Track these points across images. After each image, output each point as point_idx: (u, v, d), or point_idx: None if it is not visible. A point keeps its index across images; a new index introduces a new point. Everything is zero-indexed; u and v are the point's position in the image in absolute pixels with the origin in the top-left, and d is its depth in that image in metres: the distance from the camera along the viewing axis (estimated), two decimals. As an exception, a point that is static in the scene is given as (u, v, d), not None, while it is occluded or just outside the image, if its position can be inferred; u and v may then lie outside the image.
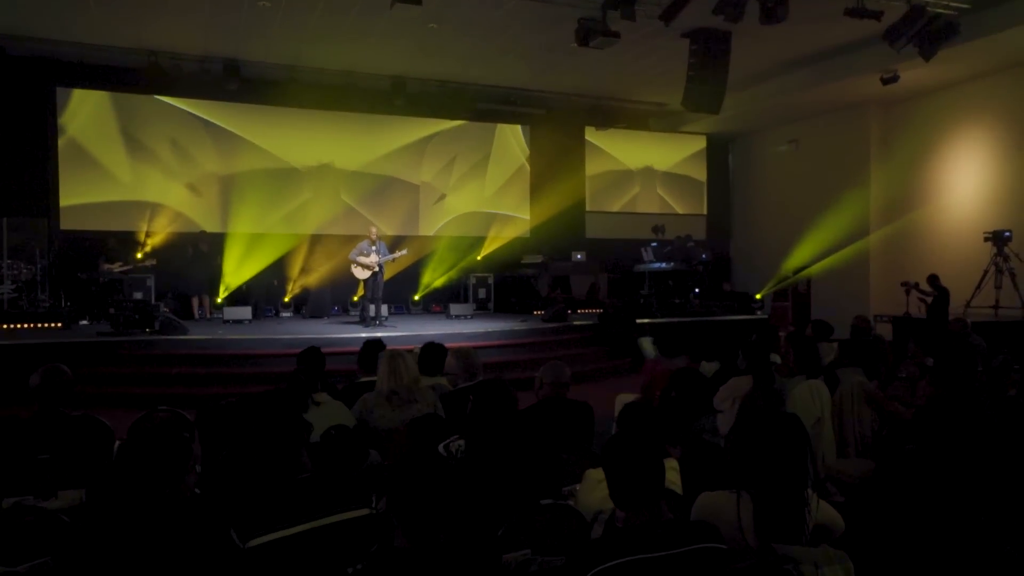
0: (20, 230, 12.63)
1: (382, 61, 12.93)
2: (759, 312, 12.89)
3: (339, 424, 3.13)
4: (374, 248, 10.90)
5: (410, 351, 4.52)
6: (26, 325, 11.16)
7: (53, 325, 11.31)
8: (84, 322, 11.72)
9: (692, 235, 15.35)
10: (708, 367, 5.51)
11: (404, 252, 11.24)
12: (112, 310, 9.97)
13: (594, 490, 2.69)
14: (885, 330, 13.13)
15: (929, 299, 11.61)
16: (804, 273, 15.00)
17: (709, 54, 11.41)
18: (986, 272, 11.99)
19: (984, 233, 12.11)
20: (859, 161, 15.20)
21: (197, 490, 2.69)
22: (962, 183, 13.77)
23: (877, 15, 9.39)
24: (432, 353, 4.75)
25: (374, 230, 11.27)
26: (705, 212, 17.63)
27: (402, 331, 10.45)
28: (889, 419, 4.24)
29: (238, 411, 3.80)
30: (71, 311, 11.71)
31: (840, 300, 14.76)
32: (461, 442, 3.02)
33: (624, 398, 5.64)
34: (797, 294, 14.97)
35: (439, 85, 14.10)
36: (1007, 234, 11.89)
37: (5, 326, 11.04)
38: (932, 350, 5.27)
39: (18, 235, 12.61)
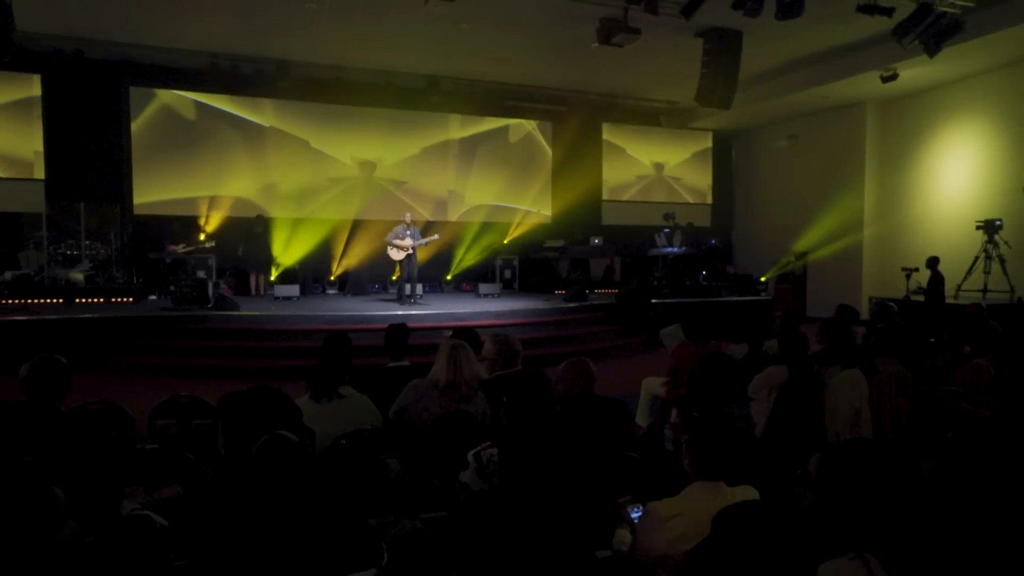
0: (97, 215, 12.22)
1: (418, 61, 12.17)
2: (763, 294, 12.00)
3: (353, 431, 2.39)
4: (408, 232, 10.20)
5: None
6: (101, 300, 10.84)
7: (125, 300, 10.98)
8: (153, 297, 11.28)
9: (693, 222, 14.65)
10: (737, 349, 4.69)
11: (436, 237, 10.52)
12: (172, 287, 9.38)
13: (659, 529, 1.93)
14: (880, 311, 12.21)
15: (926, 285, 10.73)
16: (804, 259, 14.13)
17: (721, 52, 10.49)
18: (977, 258, 11.11)
19: (976, 222, 11.27)
20: (855, 156, 14.27)
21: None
22: (953, 175, 12.88)
23: (889, 11, 8.40)
24: (464, 338, 3.73)
25: (408, 215, 10.57)
26: (711, 202, 16.68)
27: (435, 309, 9.76)
28: (955, 417, 3.43)
29: (255, 403, 3.09)
30: (141, 287, 11.29)
31: (834, 284, 14.05)
32: (493, 451, 2.25)
33: (651, 382, 4.87)
34: (794, 278, 14.09)
35: (470, 83, 13.32)
36: (998, 223, 11.04)
37: (84, 300, 10.72)
38: (968, 338, 4.43)
39: (95, 219, 12.19)
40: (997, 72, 11.95)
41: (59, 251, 11.73)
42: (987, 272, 11.09)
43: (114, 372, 7.89)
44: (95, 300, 10.79)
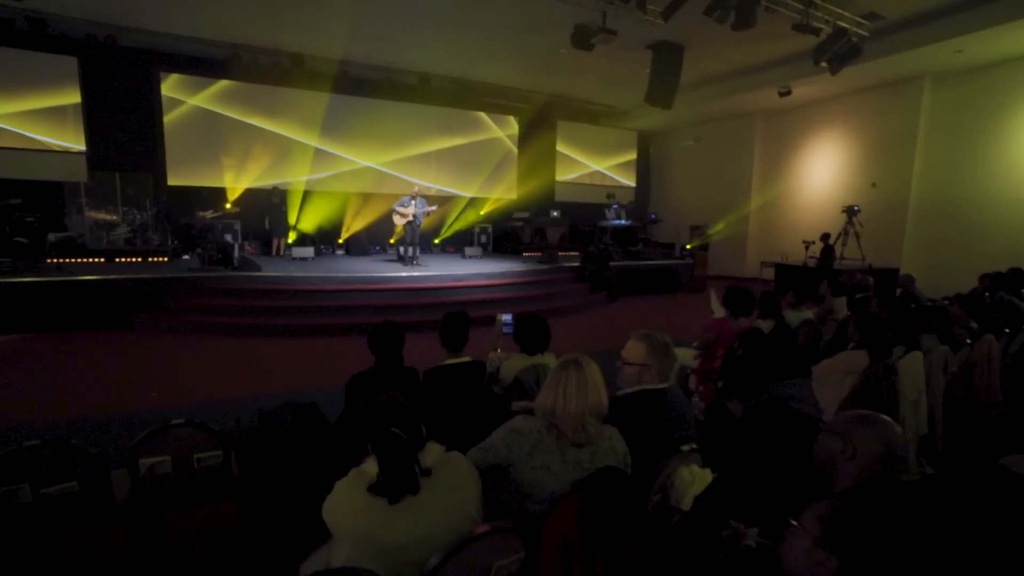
0: (133, 184, 9.89)
1: (413, 59, 10.20)
2: (687, 258, 10.94)
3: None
4: (413, 202, 8.47)
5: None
6: (139, 260, 8.81)
7: (161, 260, 8.96)
8: (186, 257, 9.22)
9: (631, 201, 13.51)
10: (765, 325, 3.47)
11: (435, 208, 8.82)
12: (199, 250, 7.43)
13: None
14: (769, 273, 11.51)
15: (818, 256, 9.97)
16: (711, 232, 13.25)
17: (667, 62, 9.01)
18: (839, 235, 10.40)
19: (842, 207, 10.52)
20: (745, 155, 13.33)
21: None
22: (821, 172, 12.21)
23: (817, 31, 7.13)
24: (532, 326, 2.32)
25: (416, 188, 8.79)
26: (635, 185, 15.42)
27: (435, 270, 8.11)
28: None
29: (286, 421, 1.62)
30: (175, 249, 9.19)
31: (725, 251, 13.24)
32: None
33: (680, 353, 3.56)
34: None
35: (454, 81, 11.39)
36: (856, 208, 10.32)
37: (123, 260, 8.73)
38: (975, 313, 3.35)
39: (130, 188, 9.86)
40: (852, 96, 11.22)
41: (99, 216, 9.45)
42: (844, 245, 10.48)
43: (141, 330, 6.09)
44: (133, 260, 8.75)
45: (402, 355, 2.10)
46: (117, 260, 8.66)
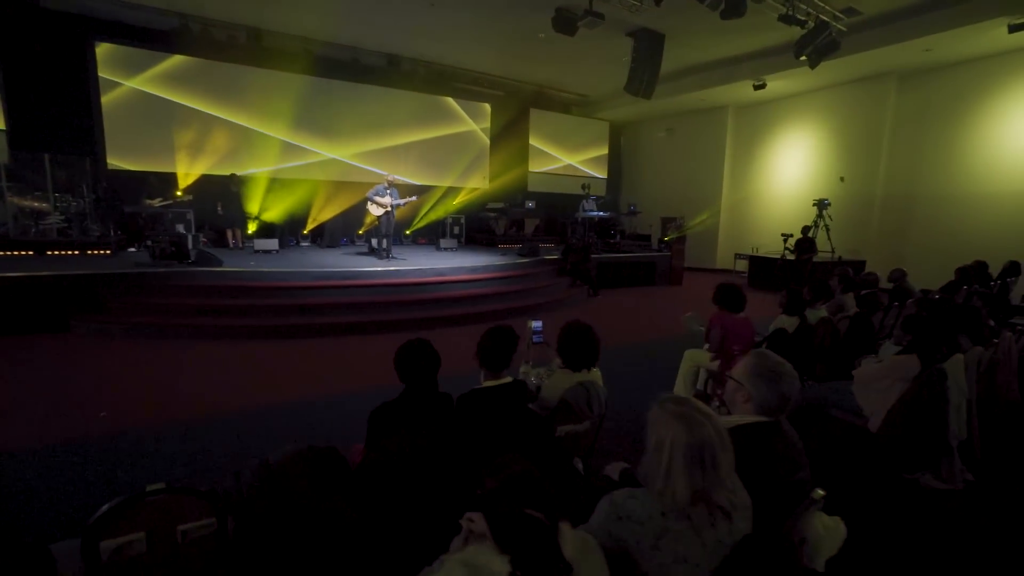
0: (66, 167, 8.84)
1: (382, 38, 9.61)
2: (665, 251, 10.90)
3: None
4: (388, 192, 7.95)
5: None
6: (75, 253, 7.82)
7: (102, 253, 7.96)
8: (132, 250, 8.33)
9: (602, 195, 13.36)
10: (789, 321, 3.29)
11: (414, 199, 8.32)
12: (149, 242, 6.68)
13: None
14: (742, 266, 11.65)
15: (793, 249, 10.12)
16: (692, 223, 13.35)
17: (647, 51, 8.84)
18: (810, 227, 10.60)
19: (813, 200, 10.71)
20: (717, 147, 13.42)
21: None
22: (790, 165, 12.37)
23: (803, 23, 7.10)
24: (579, 337, 1.96)
25: (391, 177, 8.23)
26: (607, 177, 15.30)
27: (413, 264, 7.58)
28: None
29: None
30: (120, 240, 8.28)
31: (696, 244, 13.38)
32: None
33: (696, 355, 3.38)
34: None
35: (425, 64, 10.87)
36: (826, 202, 10.57)
37: (57, 253, 7.67)
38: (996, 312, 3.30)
39: (64, 172, 8.82)
40: (822, 91, 11.46)
41: (26, 203, 8.39)
42: (814, 237, 10.71)
43: (81, 334, 5.40)
44: (69, 253, 7.78)
45: (437, 379, 1.73)
46: (49, 253, 7.71)
